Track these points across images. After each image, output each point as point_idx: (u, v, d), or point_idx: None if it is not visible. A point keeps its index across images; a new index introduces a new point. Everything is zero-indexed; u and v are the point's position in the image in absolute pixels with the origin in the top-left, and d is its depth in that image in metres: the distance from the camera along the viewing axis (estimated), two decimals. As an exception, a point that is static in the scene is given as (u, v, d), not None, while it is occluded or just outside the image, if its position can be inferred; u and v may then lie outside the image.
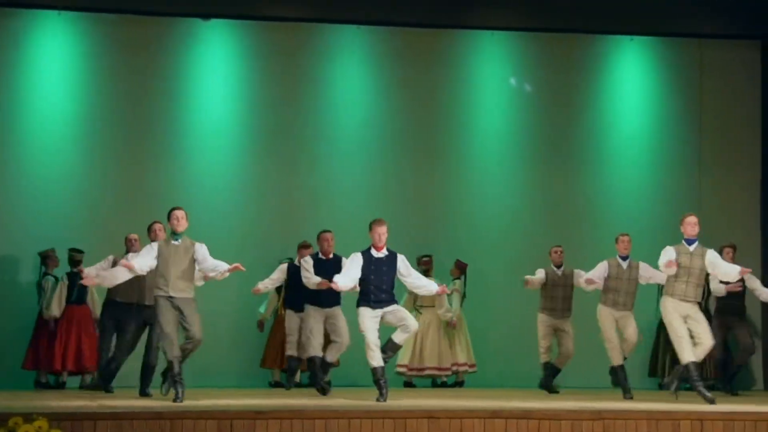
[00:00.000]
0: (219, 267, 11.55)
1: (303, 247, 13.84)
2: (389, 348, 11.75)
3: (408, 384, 15.03)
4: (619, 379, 13.04)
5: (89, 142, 15.03)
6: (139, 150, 15.12)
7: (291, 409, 9.76)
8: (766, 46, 16.03)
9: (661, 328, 14.77)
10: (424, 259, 14.89)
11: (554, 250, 13.89)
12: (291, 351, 13.72)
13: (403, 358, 14.90)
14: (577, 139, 15.98)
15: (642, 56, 16.15)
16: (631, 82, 16.15)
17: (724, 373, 14.38)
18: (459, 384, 15.06)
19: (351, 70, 15.61)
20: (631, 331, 12.94)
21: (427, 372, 14.98)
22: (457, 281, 15.04)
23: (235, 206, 15.23)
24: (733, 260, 14.09)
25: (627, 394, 12.82)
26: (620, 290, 13.01)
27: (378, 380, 11.56)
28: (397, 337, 11.74)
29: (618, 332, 13.02)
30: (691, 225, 11.88)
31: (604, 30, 15.88)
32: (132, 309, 12.66)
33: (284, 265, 13.56)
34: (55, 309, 13.99)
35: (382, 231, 11.69)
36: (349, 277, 11.67)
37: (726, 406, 11.02)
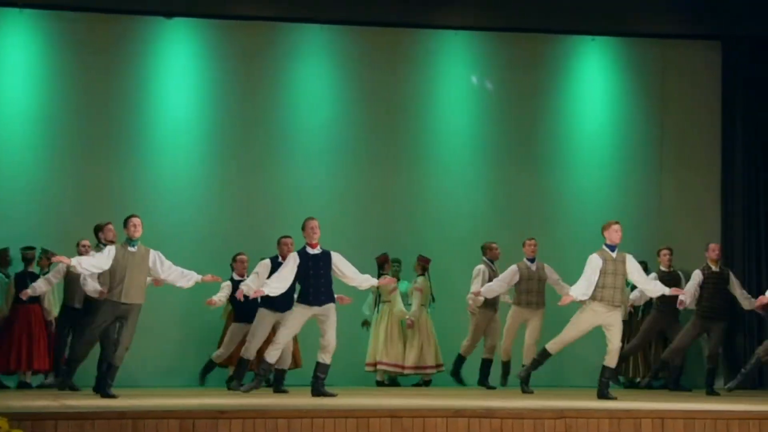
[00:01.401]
0: (191, 277, 11.98)
1: (238, 258, 13.86)
2: (321, 371, 12.17)
3: (392, 382, 15.02)
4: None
5: (50, 141, 14.93)
6: (100, 148, 15.02)
7: (254, 408, 9.74)
8: (727, 46, 16.13)
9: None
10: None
11: (489, 246, 14.51)
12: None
13: (388, 356, 14.88)
14: (540, 138, 16.01)
15: (604, 56, 16.20)
16: (593, 82, 16.20)
17: (671, 372, 14.57)
18: (425, 383, 15.05)
19: (314, 69, 15.57)
20: (534, 332, 13.78)
21: (409, 371, 15.00)
22: (420, 278, 15.06)
23: (198, 206, 15.16)
24: (670, 263, 14.42)
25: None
26: (532, 290, 13.79)
27: (259, 374, 12.51)
28: (321, 358, 12.17)
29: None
30: (617, 232, 12.31)
31: (567, 30, 15.92)
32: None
33: (227, 283, 13.60)
34: (4, 308, 13.98)
35: (315, 225, 12.14)
36: (279, 281, 12.08)
37: (686, 404, 11.09)
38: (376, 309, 14.98)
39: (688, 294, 13.73)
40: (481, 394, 12.96)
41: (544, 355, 12.75)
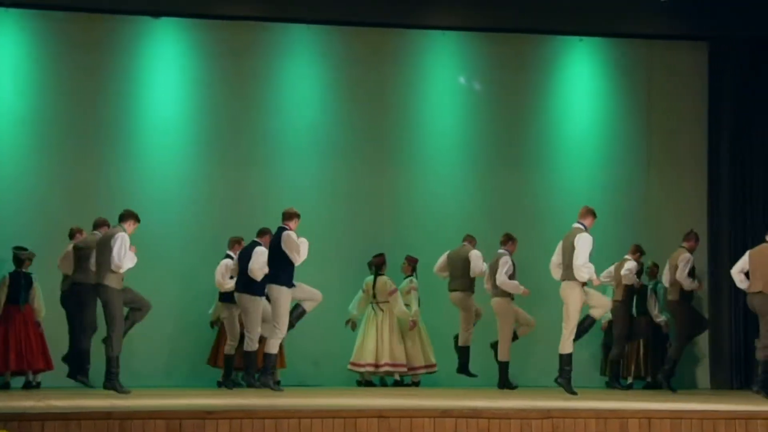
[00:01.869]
0: None
1: (242, 242, 13.86)
2: (298, 315, 13.12)
3: (383, 382, 15.01)
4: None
5: (38, 140, 14.92)
6: (88, 147, 15.01)
7: (241, 408, 9.73)
8: (713, 47, 16.17)
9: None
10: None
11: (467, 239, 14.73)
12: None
13: (393, 357, 14.85)
14: (528, 138, 16.04)
15: (591, 57, 16.23)
16: (580, 83, 16.23)
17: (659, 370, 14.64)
18: (415, 384, 15.03)
19: (301, 69, 15.57)
20: (527, 314, 14.00)
21: (422, 371, 15.01)
22: (412, 278, 15.04)
23: (186, 205, 15.14)
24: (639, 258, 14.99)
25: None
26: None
27: (274, 365, 12.87)
28: (307, 306, 13.09)
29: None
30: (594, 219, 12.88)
31: (555, 30, 15.95)
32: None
33: (229, 263, 13.71)
34: None
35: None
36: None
37: (673, 404, 11.12)
38: (373, 309, 14.93)
39: (682, 280, 14.05)
40: (470, 394, 12.96)
41: (566, 361, 12.71)
